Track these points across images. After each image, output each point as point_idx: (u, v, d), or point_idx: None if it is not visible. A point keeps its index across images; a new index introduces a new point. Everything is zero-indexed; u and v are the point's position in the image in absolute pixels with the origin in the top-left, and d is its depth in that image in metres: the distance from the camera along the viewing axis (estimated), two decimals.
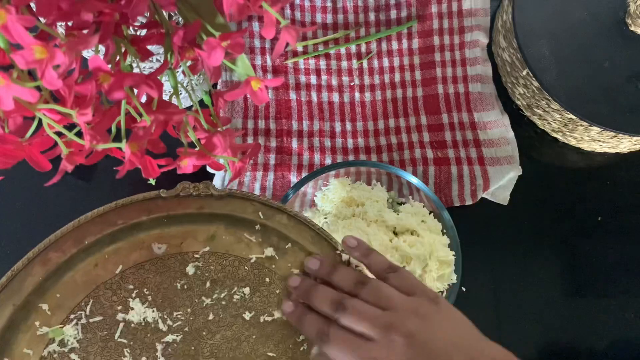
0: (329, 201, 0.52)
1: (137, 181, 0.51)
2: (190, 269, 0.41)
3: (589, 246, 0.57)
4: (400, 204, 0.54)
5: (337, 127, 0.61)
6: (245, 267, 0.42)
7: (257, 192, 0.57)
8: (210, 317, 0.40)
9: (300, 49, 0.63)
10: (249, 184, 0.57)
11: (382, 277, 0.40)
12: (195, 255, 0.42)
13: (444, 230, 0.51)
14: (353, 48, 0.64)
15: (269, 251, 0.42)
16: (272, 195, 0.57)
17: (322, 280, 0.41)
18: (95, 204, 0.58)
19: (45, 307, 0.39)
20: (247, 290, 0.41)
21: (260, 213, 0.43)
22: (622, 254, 0.57)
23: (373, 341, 0.36)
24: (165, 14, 0.36)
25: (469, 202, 0.57)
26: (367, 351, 0.36)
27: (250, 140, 0.59)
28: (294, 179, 0.58)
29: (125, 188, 0.59)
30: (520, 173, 0.57)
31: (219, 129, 0.39)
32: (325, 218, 0.52)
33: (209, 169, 0.56)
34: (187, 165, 0.37)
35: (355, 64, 0.63)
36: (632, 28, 0.55)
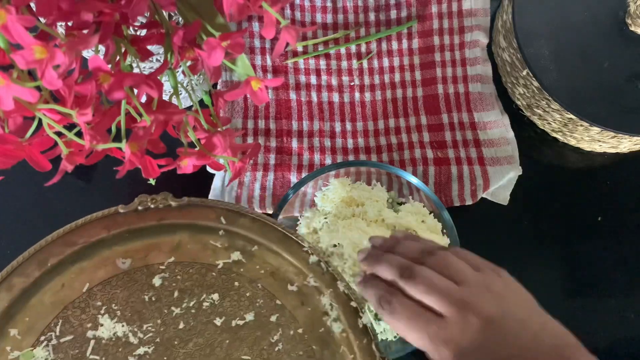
0: (329, 201, 0.52)
1: (137, 181, 0.51)
2: (157, 281, 0.41)
3: (589, 246, 0.57)
4: (400, 204, 0.54)
5: (337, 127, 0.61)
6: (213, 274, 0.42)
7: (257, 192, 0.57)
8: (181, 326, 0.40)
9: (300, 49, 0.63)
10: (249, 184, 0.57)
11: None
12: (161, 267, 0.42)
13: (444, 230, 0.51)
14: (353, 48, 0.64)
15: (236, 255, 0.42)
16: (272, 195, 0.57)
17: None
18: (95, 204, 0.58)
19: (14, 332, 0.39)
20: (216, 296, 0.41)
21: (222, 218, 0.43)
22: (622, 254, 0.57)
23: (444, 318, 0.33)
24: (165, 14, 0.36)
25: (469, 202, 0.57)
26: (438, 328, 0.33)
27: (250, 140, 0.59)
28: (294, 179, 0.58)
29: (125, 188, 0.59)
30: (520, 173, 0.57)
31: (219, 129, 0.39)
32: (325, 218, 0.52)
33: (209, 169, 0.56)
34: (187, 165, 0.37)
35: (355, 64, 0.63)
36: (632, 28, 0.55)
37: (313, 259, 0.42)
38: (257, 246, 0.43)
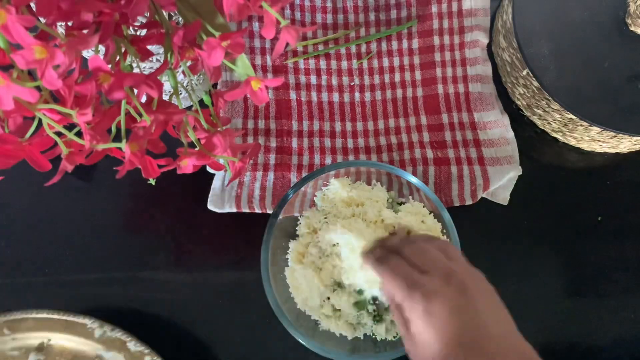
0: (329, 201, 0.52)
1: (137, 181, 0.51)
2: None
3: (589, 246, 0.57)
4: (400, 204, 0.54)
5: (337, 127, 0.61)
6: None
7: (257, 192, 0.57)
8: None
9: (300, 49, 0.63)
10: (249, 183, 0.57)
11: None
12: None
13: (444, 230, 0.51)
14: (353, 48, 0.64)
15: (33, 357, 0.46)
16: (272, 195, 0.57)
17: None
18: (95, 204, 0.58)
19: None
20: None
21: (5, 330, 0.46)
22: (622, 254, 0.57)
23: (428, 274, 0.37)
24: (165, 14, 0.36)
25: (469, 202, 0.57)
26: (419, 278, 0.37)
27: (250, 140, 0.59)
28: (294, 179, 0.58)
29: (126, 188, 0.59)
30: (520, 173, 0.57)
31: (219, 129, 0.39)
32: (325, 218, 0.52)
33: (209, 169, 0.56)
34: (187, 165, 0.37)
35: (355, 64, 0.63)
36: (632, 28, 0.55)
37: (98, 332, 0.46)
38: (50, 339, 0.46)
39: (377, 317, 0.48)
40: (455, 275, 0.37)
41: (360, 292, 0.48)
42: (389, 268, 0.40)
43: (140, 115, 0.32)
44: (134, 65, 0.37)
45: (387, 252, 0.42)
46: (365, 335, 0.50)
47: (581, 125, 0.56)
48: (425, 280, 0.37)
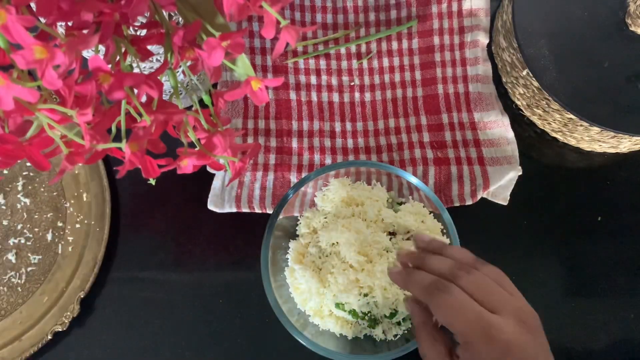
0: (329, 201, 0.52)
1: (137, 181, 0.51)
2: None
3: (589, 246, 0.57)
4: (400, 204, 0.54)
5: (337, 127, 0.61)
6: None
7: (257, 192, 0.57)
8: None
9: (300, 49, 0.63)
10: (249, 183, 0.57)
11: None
12: None
13: (444, 230, 0.51)
14: (353, 48, 0.64)
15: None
16: (272, 195, 0.57)
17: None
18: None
19: None
20: None
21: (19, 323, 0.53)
22: (622, 254, 0.57)
23: (498, 313, 0.34)
24: (165, 14, 0.36)
25: (469, 202, 0.57)
26: (494, 319, 0.33)
27: (250, 140, 0.59)
28: (294, 179, 0.58)
29: (126, 188, 0.59)
30: (520, 173, 0.57)
31: (219, 129, 0.39)
32: (325, 218, 0.52)
33: (209, 169, 0.56)
34: (187, 165, 0.37)
35: (355, 64, 0.63)
36: (632, 28, 0.55)
37: None
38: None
39: (371, 324, 0.49)
40: (527, 318, 0.35)
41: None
42: (456, 301, 0.35)
43: (140, 115, 0.32)
44: (134, 65, 0.37)
45: (438, 277, 0.37)
46: (365, 335, 0.50)
47: (581, 125, 0.56)
48: (500, 322, 0.34)
